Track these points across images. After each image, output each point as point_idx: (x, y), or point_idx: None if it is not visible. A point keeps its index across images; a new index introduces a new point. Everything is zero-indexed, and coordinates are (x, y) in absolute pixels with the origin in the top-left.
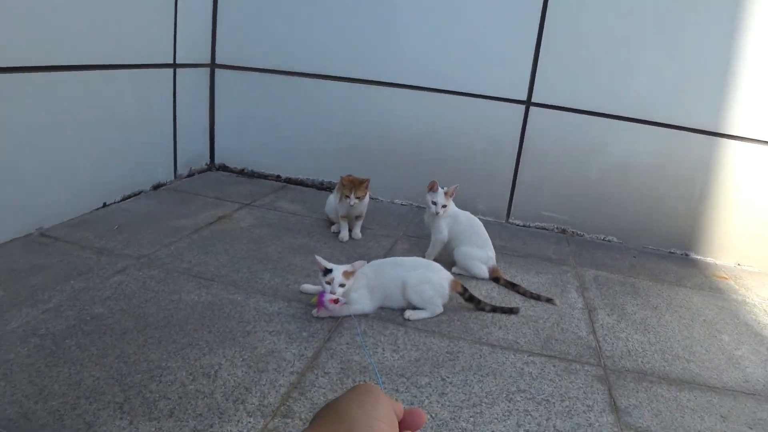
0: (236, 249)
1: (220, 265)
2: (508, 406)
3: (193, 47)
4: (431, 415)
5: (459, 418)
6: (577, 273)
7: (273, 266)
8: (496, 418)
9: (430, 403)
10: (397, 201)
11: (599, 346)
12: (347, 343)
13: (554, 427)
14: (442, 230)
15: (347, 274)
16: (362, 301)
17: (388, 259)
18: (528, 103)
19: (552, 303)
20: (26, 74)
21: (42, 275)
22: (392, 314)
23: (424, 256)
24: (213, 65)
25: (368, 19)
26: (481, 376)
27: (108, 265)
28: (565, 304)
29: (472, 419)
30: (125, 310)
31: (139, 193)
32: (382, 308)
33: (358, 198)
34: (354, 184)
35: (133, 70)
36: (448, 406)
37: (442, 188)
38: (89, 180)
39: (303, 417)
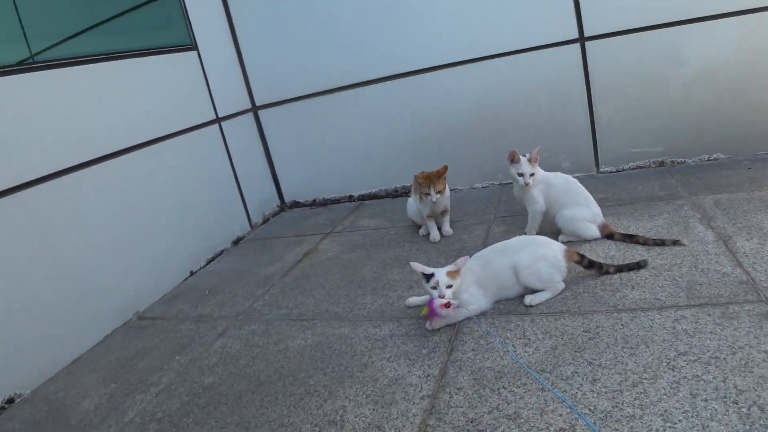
0: (330, 280)
1: (318, 302)
2: (674, 376)
3: (231, 97)
4: (589, 409)
5: (622, 404)
6: (694, 204)
7: (372, 288)
8: (665, 394)
9: (584, 394)
10: (477, 185)
11: (752, 278)
12: (473, 350)
13: (735, 386)
14: (537, 199)
15: (452, 274)
16: (476, 299)
17: (490, 247)
18: (581, 39)
19: (680, 244)
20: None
21: (148, 358)
22: (510, 305)
23: (525, 233)
24: (254, 108)
25: (393, 14)
26: (631, 348)
27: (208, 332)
28: (694, 241)
29: (637, 402)
30: (235, 373)
31: (221, 252)
32: (498, 302)
33: (439, 193)
34: (431, 179)
35: (181, 136)
36: (605, 393)
37: (524, 155)
38: (172, 254)
39: None
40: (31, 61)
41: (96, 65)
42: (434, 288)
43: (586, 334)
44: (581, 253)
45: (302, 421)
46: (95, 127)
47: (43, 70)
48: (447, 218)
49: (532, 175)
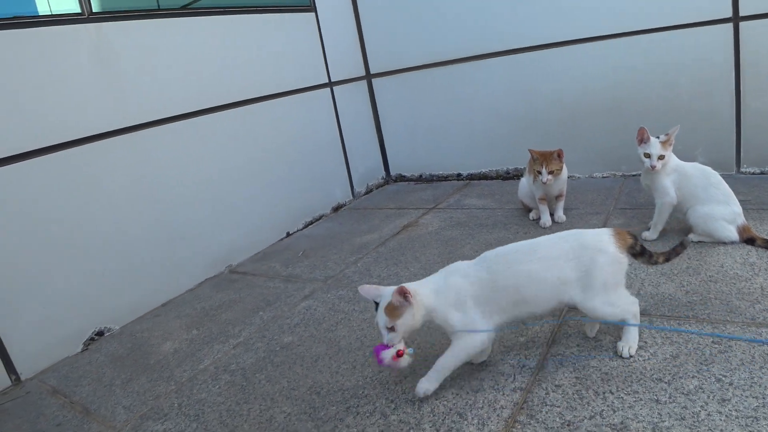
0: (427, 255)
1: (412, 275)
2: None
3: (345, 62)
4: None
5: None
6: None
7: None
8: None
9: (709, 415)
10: (596, 174)
11: None
12: (578, 345)
13: None
14: (668, 190)
15: (393, 311)
16: (469, 323)
17: (503, 247)
18: (735, 18)
19: None
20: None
21: (232, 310)
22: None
23: (648, 228)
24: (368, 76)
25: None
26: None
27: (295, 292)
28: None
29: None
30: (315, 336)
31: (320, 217)
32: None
33: (551, 173)
34: (545, 157)
35: (292, 96)
36: (737, 417)
37: (656, 137)
38: (270, 212)
39: None
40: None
41: (216, 17)
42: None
43: (715, 345)
44: (635, 235)
45: (377, 395)
46: (209, 78)
47: (166, 17)
48: (561, 204)
49: (661, 158)
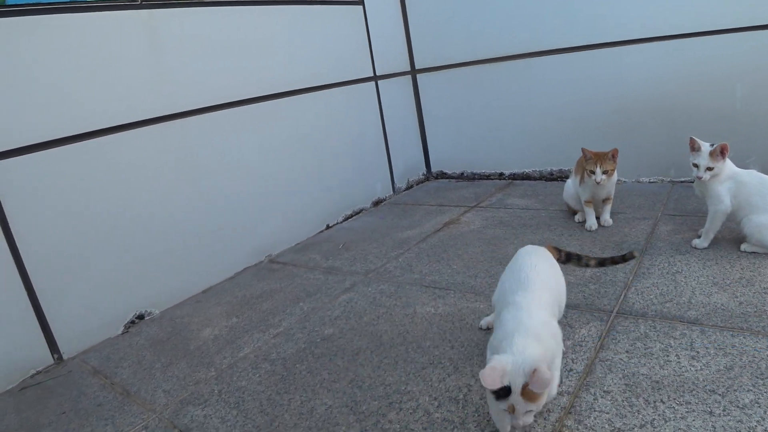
0: (469, 253)
1: (454, 272)
2: None
3: (391, 56)
4: None
5: None
6: None
7: None
8: None
9: (765, 430)
10: (643, 179)
11: None
12: (627, 351)
13: None
14: (722, 198)
15: (531, 397)
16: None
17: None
18: None
19: None
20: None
21: (272, 300)
22: (678, 308)
23: (699, 236)
24: (413, 71)
25: None
26: None
27: (336, 284)
28: None
29: None
30: (356, 329)
31: (360, 211)
32: (666, 301)
33: (605, 173)
34: (600, 157)
35: (337, 88)
36: None
37: (710, 145)
38: (311, 204)
39: None
40: None
41: (265, 7)
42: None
43: None
44: (559, 247)
45: (420, 392)
46: (256, 67)
47: (216, 6)
48: (608, 207)
49: (709, 169)
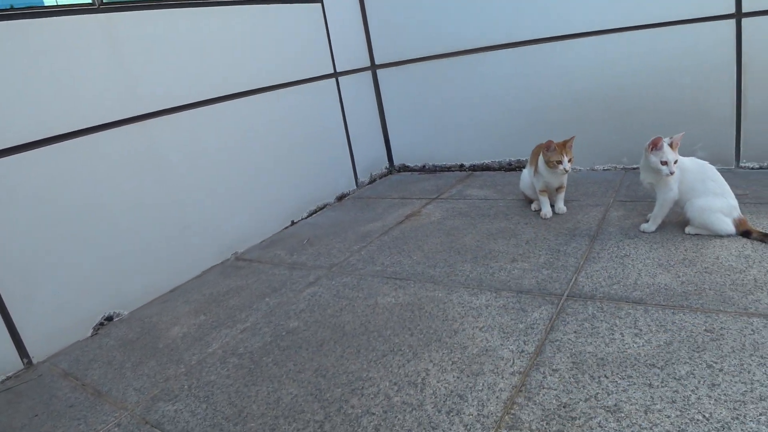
0: (430, 244)
1: (415, 263)
2: None
3: (350, 53)
4: (704, 415)
5: (745, 417)
6: None
7: (473, 256)
8: None
9: (699, 399)
10: (597, 167)
11: None
12: (575, 332)
13: None
14: (671, 186)
15: None
16: None
17: None
18: (738, 14)
19: None
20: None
21: (239, 296)
22: (624, 290)
23: (647, 220)
24: (373, 66)
25: None
26: (761, 358)
27: (301, 279)
28: None
29: (763, 417)
30: (320, 321)
31: (325, 206)
32: (613, 283)
33: (570, 161)
34: (563, 146)
35: (298, 86)
36: (725, 401)
37: (667, 140)
38: (276, 201)
39: (533, 428)
40: None
41: (225, 8)
42: None
43: (708, 333)
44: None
45: (381, 378)
46: (217, 67)
47: (175, 8)
48: (562, 195)
49: (675, 162)
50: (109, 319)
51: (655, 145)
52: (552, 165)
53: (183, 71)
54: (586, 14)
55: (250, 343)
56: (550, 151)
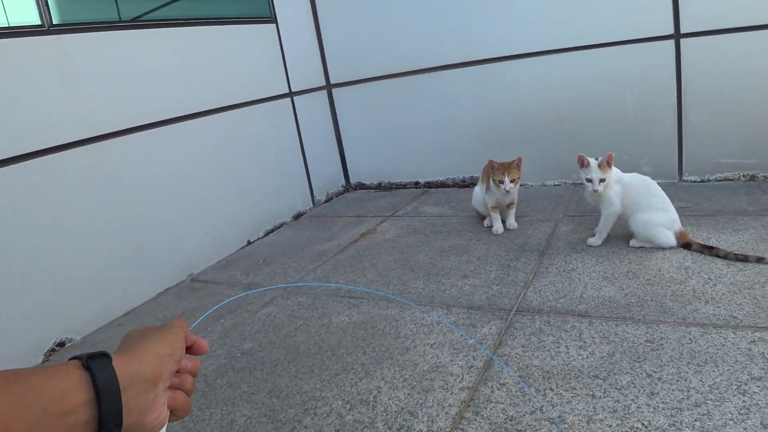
0: (384, 262)
1: (369, 281)
2: (744, 401)
3: (306, 73)
4: (643, 423)
5: (681, 423)
6: None
7: (425, 273)
8: (731, 419)
9: (639, 407)
10: (548, 182)
11: None
12: (522, 346)
13: None
14: (613, 201)
15: None
16: None
17: None
18: (677, 35)
19: (765, 262)
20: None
21: (194, 319)
22: (570, 303)
23: (593, 235)
24: (328, 86)
25: None
26: (698, 365)
27: (256, 299)
28: None
29: (698, 423)
30: (275, 342)
31: (281, 225)
32: (560, 297)
33: (513, 181)
34: (506, 167)
35: (253, 106)
36: (663, 408)
37: (595, 159)
38: (232, 221)
39: None
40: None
41: (178, 29)
42: None
43: (649, 344)
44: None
45: (334, 397)
46: (171, 89)
47: (127, 29)
48: (513, 211)
49: (602, 180)
50: (61, 344)
51: (581, 163)
52: (495, 184)
53: (136, 92)
54: (536, 35)
55: (204, 366)
56: (494, 171)
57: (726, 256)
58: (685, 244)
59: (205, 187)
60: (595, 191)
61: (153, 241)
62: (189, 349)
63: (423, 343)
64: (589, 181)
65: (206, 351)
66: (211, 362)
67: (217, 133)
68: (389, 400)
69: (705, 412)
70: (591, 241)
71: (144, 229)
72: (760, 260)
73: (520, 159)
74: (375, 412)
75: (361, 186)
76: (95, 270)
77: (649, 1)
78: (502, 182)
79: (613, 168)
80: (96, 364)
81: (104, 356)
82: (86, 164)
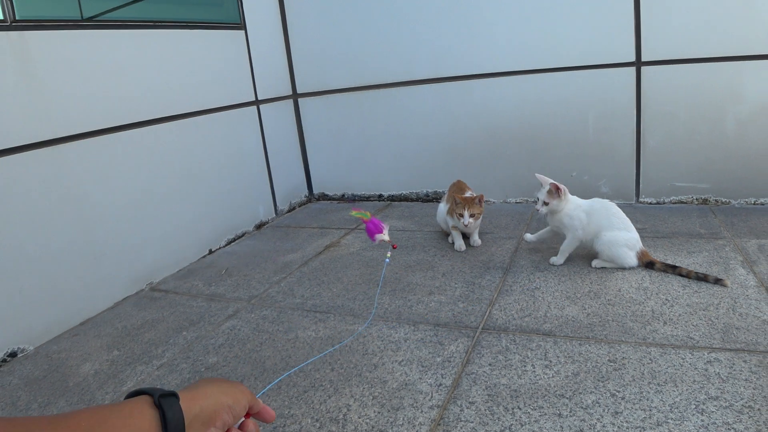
0: (349, 276)
1: (335, 295)
2: (702, 420)
3: (273, 81)
4: None
5: None
6: (736, 246)
7: (391, 288)
8: None
9: (604, 426)
10: (510, 200)
11: None
12: (490, 364)
13: None
14: (576, 228)
15: None
16: None
17: None
18: (638, 63)
19: (723, 284)
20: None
21: (155, 330)
22: (535, 322)
23: (557, 253)
24: (295, 95)
25: (449, 17)
26: (658, 385)
27: (219, 311)
28: (734, 284)
29: None
30: (240, 356)
31: (243, 234)
32: (525, 316)
33: (472, 216)
34: (468, 201)
35: (218, 113)
36: (627, 428)
37: (548, 185)
38: (193, 229)
39: None
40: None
41: (143, 31)
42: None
43: (611, 363)
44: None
45: (303, 415)
46: (134, 92)
47: (93, 29)
48: (477, 229)
49: (545, 204)
50: (13, 355)
51: (541, 183)
52: (454, 215)
53: (99, 95)
54: (505, 55)
55: (167, 380)
56: (457, 204)
57: (688, 275)
58: (648, 263)
59: (166, 194)
60: (536, 210)
61: (111, 248)
62: (256, 415)
63: (391, 360)
64: (535, 201)
65: (273, 419)
66: (174, 377)
67: (181, 139)
68: (359, 418)
69: (666, 431)
70: (553, 260)
71: (103, 235)
72: (718, 281)
73: (482, 195)
74: (345, 430)
75: (324, 197)
76: (51, 277)
77: (614, 30)
78: (462, 216)
79: (573, 200)
80: (167, 404)
81: (173, 395)
82: (43, 167)
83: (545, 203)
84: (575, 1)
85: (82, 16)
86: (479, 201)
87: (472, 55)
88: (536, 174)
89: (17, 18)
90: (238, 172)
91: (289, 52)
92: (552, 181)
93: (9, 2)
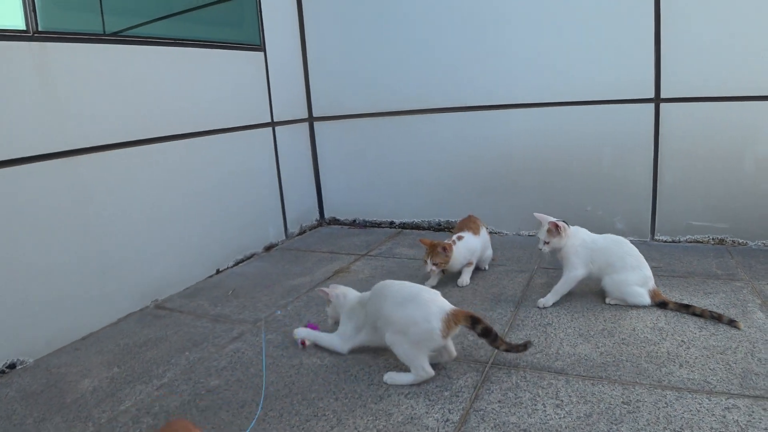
0: None
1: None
2: None
3: (289, 104)
4: None
5: None
6: (754, 288)
7: None
8: None
9: None
10: (523, 232)
11: None
12: (499, 401)
13: None
14: (576, 266)
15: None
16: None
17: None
18: (657, 99)
19: (736, 326)
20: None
21: (157, 349)
22: (547, 359)
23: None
24: (311, 119)
25: (471, 47)
26: (674, 431)
27: (224, 333)
28: (752, 327)
29: None
30: (242, 381)
31: (252, 255)
32: (536, 352)
33: (435, 265)
34: (431, 249)
35: (234, 132)
36: None
37: (548, 222)
38: (201, 248)
39: None
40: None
41: (162, 48)
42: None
43: (625, 406)
44: (477, 316)
45: None
46: (150, 108)
47: (114, 43)
48: (469, 269)
49: (546, 243)
50: (12, 366)
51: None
52: (423, 259)
53: (117, 109)
54: (523, 88)
55: (166, 402)
56: (425, 250)
57: (702, 314)
58: (661, 303)
59: (177, 211)
60: (540, 250)
61: (118, 262)
62: None
63: (397, 391)
64: (538, 240)
65: None
66: (174, 398)
67: (194, 157)
68: None
69: None
70: (541, 301)
71: (111, 250)
72: (731, 323)
73: (450, 246)
74: None
75: (335, 221)
76: (55, 289)
77: (634, 66)
78: (425, 262)
79: (580, 233)
80: None
81: None
82: (57, 178)
83: (546, 242)
84: (597, 36)
85: (104, 31)
86: (443, 249)
87: (491, 85)
88: (534, 213)
89: (40, 29)
90: (249, 193)
91: (307, 76)
92: (551, 219)
93: (33, 14)
